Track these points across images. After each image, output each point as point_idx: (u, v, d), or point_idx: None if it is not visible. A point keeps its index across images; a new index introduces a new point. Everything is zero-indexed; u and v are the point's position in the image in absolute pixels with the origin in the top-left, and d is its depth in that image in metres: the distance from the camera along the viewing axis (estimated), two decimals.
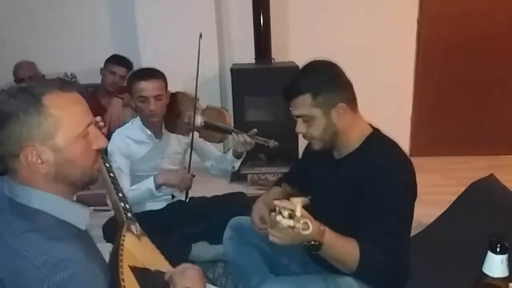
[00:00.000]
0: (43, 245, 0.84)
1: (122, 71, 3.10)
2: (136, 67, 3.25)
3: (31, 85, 0.93)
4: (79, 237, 0.95)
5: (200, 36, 2.09)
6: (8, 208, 0.90)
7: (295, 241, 1.05)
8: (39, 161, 0.90)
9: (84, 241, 0.98)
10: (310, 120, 1.32)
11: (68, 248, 0.86)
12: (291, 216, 1.00)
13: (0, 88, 3.16)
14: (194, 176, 2.10)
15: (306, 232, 1.00)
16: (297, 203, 1.02)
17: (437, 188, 2.90)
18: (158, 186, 2.00)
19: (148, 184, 2.00)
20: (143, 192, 2.00)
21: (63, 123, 0.91)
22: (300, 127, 1.36)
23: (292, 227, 0.99)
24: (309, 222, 0.99)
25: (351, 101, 1.34)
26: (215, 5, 3.49)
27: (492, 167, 2.77)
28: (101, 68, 3.16)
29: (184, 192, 2.15)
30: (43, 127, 0.89)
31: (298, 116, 1.35)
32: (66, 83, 0.98)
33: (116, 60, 3.14)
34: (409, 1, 3.56)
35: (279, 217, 0.99)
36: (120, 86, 3.16)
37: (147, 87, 1.98)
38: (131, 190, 1.99)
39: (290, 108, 1.37)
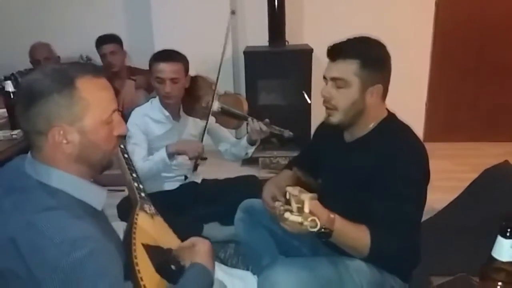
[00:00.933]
0: (62, 223, 0.86)
1: (108, 48, 3.08)
2: (148, 48, 3.26)
3: (65, 67, 0.96)
4: (95, 216, 0.97)
5: (233, 12, 2.08)
6: (29, 186, 0.92)
7: (301, 231, 1.06)
8: (64, 141, 0.93)
9: (101, 220, 1.00)
10: (344, 87, 1.28)
11: (86, 227, 0.88)
12: (299, 211, 1.00)
13: (17, 70, 3.24)
14: (206, 158, 2.11)
15: (314, 230, 1.01)
16: (305, 199, 1.03)
17: (450, 174, 2.88)
18: (170, 155, 2.02)
19: (161, 153, 2.03)
20: (156, 161, 2.02)
21: (92, 107, 0.94)
22: (329, 89, 1.31)
23: (300, 223, 1.00)
24: (316, 220, 1.01)
25: (386, 88, 1.33)
26: None
27: (508, 154, 2.72)
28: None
29: (196, 173, 2.18)
30: (73, 109, 0.92)
31: (333, 79, 1.30)
32: (97, 69, 1.00)
33: (99, 41, 3.11)
34: None
35: (287, 214, 1.00)
36: (122, 63, 3.15)
37: (165, 69, 2.00)
38: (146, 160, 2.02)
39: (325, 72, 1.31)
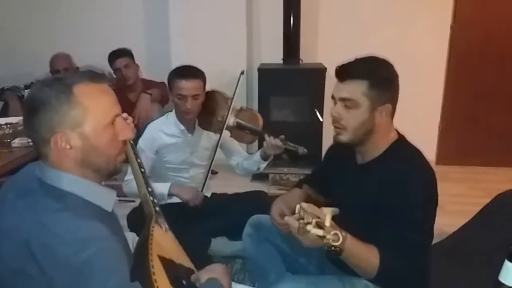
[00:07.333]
0: (73, 224, 0.89)
1: (122, 62, 3.16)
2: (166, 63, 3.33)
3: (63, 76, 1.00)
4: (106, 218, 1.00)
5: (242, 73, 2.17)
6: (41, 189, 0.96)
7: (319, 245, 1.06)
8: (67, 146, 0.95)
9: (111, 222, 1.02)
10: (353, 107, 1.28)
11: (95, 227, 0.91)
12: (319, 225, 1.00)
13: (37, 79, 3.32)
14: (216, 172, 2.11)
15: (336, 243, 1.00)
16: (327, 213, 1.02)
17: (463, 198, 2.84)
18: (170, 195, 2.08)
19: (163, 189, 2.07)
20: (156, 193, 2.05)
21: (91, 112, 0.96)
22: (339, 110, 1.31)
23: (322, 237, 0.99)
24: (339, 234, 1.00)
25: (395, 106, 1.33)
26: (246, 4, 3.52)
27: None
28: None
29: (206, 187, 2.20)
30: (72, 115, 0.94)
31: (342, 99, 1.30)
32: (96, 75, 1.02)
33: (112, 56, 3.20)
34: (443, 7, 3.50)
35: (309, 227, 0.99)
36: (135, 75, 3.22)
37: (187, 86, 2.04)
38: None
39: (334, 92, 1.32)
